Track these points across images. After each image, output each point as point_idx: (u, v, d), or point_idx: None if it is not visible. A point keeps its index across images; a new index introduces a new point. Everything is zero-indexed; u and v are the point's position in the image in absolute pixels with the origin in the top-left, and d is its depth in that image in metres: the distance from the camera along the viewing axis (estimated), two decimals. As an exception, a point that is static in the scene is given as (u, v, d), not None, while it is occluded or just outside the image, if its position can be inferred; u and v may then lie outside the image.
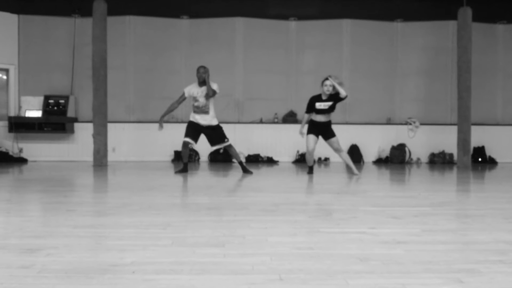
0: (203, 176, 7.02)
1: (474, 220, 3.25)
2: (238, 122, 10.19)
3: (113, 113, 9.69)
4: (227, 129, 7.24)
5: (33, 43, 10.14)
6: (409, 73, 10.64)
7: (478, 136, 10.01)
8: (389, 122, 10.46)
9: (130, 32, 10.30)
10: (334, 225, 3.03)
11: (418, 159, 10.22)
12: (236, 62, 10.44)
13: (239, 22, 10.43)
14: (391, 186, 6.08)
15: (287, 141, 10.08)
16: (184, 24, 10.41)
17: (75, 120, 9.94)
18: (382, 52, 10.57)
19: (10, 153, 9.66)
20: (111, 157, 9.29)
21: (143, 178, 6.48)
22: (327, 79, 6.61)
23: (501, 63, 10.77)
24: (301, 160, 9.74)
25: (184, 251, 2.34)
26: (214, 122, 6.89)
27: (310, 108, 6.70)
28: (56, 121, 9.68)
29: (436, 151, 10.21)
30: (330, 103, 6.59)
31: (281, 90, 10.49)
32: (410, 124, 10.03)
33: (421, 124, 10.07)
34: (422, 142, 10.12)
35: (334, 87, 6.56)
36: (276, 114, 10.32)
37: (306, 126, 6.83)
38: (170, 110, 7.06)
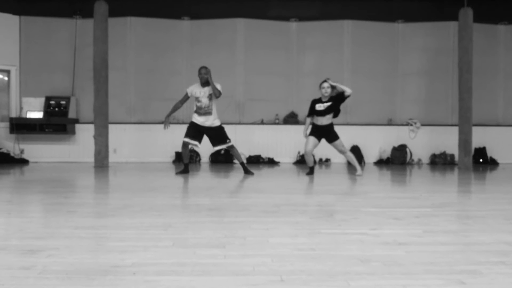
0: (204, 177, 7.02)
1: (475, 221, 3.25)
2: (239, 123, 10.19)
3: (114, 114, 9.70)
4: (228, 130, 7.24)
5: (34, 44, 10.15)
6: (410, 74, 10.64)
7: (479, 137, 9.99)
8: (390, 123, 10.46)
9: (131, 33, 10.31)
10: (335, 226, 3.03)
11: (419, 160, 10.21)
12: (237, 63, 10.45)
13: (240, 23, 10.43)
14: (392, 187, 6.08)
15: (288, 142, 10.08)
16: (185, 25, 10.42)
17: (76, 121, 9.95)
18: (383, 53, 10.57)
19: (11, 154, 9.67)
20: (112, 158, 9.30)
21: (144, 179, 6.49)
22: (324, 81, 6.69)
23: (502, 64, 10.75)
24: (302, 161, 9.72)
25: (185, 252, 2.34)
26: (217, 123, 6.89)
27: (311, 111, 6.75)
28: (57, 122, 9.68)
29: (437, 152, 10.20)
30: (328, 104, 6.63)
31: (282, 91, 10.49)
32: (411, 125, 10.02)
33: (422, 125, 10.06)
34: (423, 143, 10.11)
35: (333, 89, 6.63)
36: (277, 115, 10.32)
37: (309, 129, 6.87)
38: (174, 109, 7.08)
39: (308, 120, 6.89)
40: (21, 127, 9.62)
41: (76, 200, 4.32)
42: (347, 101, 6.95)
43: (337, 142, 6.77)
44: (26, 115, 9.82)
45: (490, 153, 10.33)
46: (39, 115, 9.79)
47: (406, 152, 9.99)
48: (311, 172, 6.92)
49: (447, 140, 9.98)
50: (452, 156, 10.01)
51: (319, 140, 6.77)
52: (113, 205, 3.95)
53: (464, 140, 8.92)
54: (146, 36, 10.32)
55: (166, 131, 7.20)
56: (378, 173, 7.83)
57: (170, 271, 2.02)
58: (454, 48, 10.12)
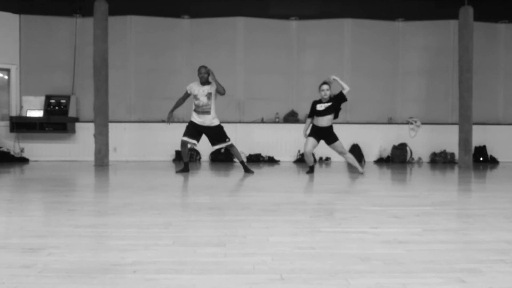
0: (204, 176, 7.02)
1: (475, 220, 3.25)
2: (239, 122, 10.19)
3: (114, 113, 9.70)
4: (228, 128, 7.24)
5: (35, 43, 10.14)
6: (410, 72, 10.63)
7: (480, 136, 10.00)
8: (390, 121, 10.46)
9: (131, 32, 10.31)
10: (336, 225, 3.03)
11: (420, 158, 10.21)
12: (237, 61, 10.44)
13: (240, 22, 10.43)
14: (392, 185, 6.08)
15: (288, 140, 10.09)
16: (185, 24, 10.41)
17: (76, 120, 9.95)
18: (383, 52, 10.56)
19: (12, 153, 9.67)
20: (112, 157, 9.30)
21: (144, 177, 6.49)
22: (323, 84, 6.70)
23: (503, 62, 10.75)
24: (302, 159, 9.72)
25: (185, 250, 2.34)
26: (216, 122, 6.89)
27: (312, 112, 6.77)
28: (57, 121, 9.68)
29: (437, 150, 10.20)
30: (329, 104, 6.65)
31: (282, 89, 10.49)
32: (412, 123, 10.02)
33: (422, 123, 10.06)
34: (423, 141, 10.11)
35: (331, 89, 6.68)
36: (277, 113, 10.31)
37: (309, 129, 6.87)
38: (177, 105, 7.12)
39: (309, 121, 6.91)
40: (21, 125, 9.62)
41: (77, 199, 4.32)
42: (347, 99, 6.95)
43: (336, 143, 6.79)
44: (26, 113, 9.82)
45: (490, 151, 10.33)
46: (39, 113, 9.79)
47: (406, 151, 9.99)
48: (311, 171, 6.93)
49: (447, 139, 9.98)
50: (452, 154, 10.01)
51: (318, 141, 6.78)
52: (114, 204, 3.96)
53: (464, 138, 8.91)
54: (146, 35, 10.31)
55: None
56: (378, 172, 7.83)
57: (170, 269, 2.02)
58: (454, 46, 10.12)
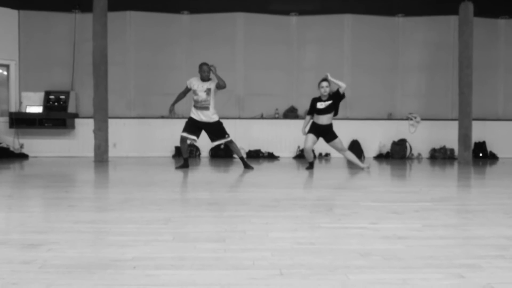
0: (204, 172, 7.02)
1: (475, 215, 3.26)
2: (239, 118, 10.18)
3: (114, 108, 9.68)
4: (228, 124, 7.23)
5: (34, 38, 10.12)
6: (410, 68, 10.62)
7: (479, 131, 9.99)
8: (390, 117, 10.45)
9: (131, 27, 10.28)
10: (335, 220, 3.03)
11: (419, 154, 10.21)
12: (237, 57, 10.42)
13: (240, 18, 10.40)
14: (392, 181, 6.08)
15: (288, 136, 10.08)
16: (184, 19, 10.38)
17: (76, 115, 9.94)
18: (383, 47, 10.54)
19: (11, 148, 9.66)
20: (112, 152, 9.29)
21: (144, 173, 6.49)
22: (323, 80, 6.68)
23: (503, 58, 10.73)
24: (302, 155, 9.71)
25: (185, 246, 2.35)
26: (215, 118, 6.88)
27: (312, 109, 6.76)
28: (56, 116, 9.67)
29: (437, 146, 10.20)
30: (329, 102, 6.64)
31: (282, 85, 10.47)
32: (411, 119, 10.01)
33: (422, 119, 10.04)
34: (423, 137, 10.11)
35: (331, 87, 6.67)
36: (277, 109, 10.30)
37: (308, 126, 6.87)
38: (178, 99, 7.13)
39: (308, 118, 6.89)
40: (21, 121, 9.61)
41: (76, 195, 4.32)
42: (347, 95, 6.96)
43: (336, 141, 6.79)
44: (25, 109, 9.81)
45: (490, 147, 10.33)
46: (38, 109, 9.78)
47: (406, 147, 9.99)
48: (311, 166, 6.93)
49: (447, 135, 9.98)
50: (452, 150, 10.01)
51: (318, 138, 6.78)
52: (113, 200, 3.96)
53: (464, 134, 8.91)
54: (146, 31, 10.29)
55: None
56: (378, 168, 7.84)
57: (170, 265, 2.02)
58: (454, 42, 10.09)
